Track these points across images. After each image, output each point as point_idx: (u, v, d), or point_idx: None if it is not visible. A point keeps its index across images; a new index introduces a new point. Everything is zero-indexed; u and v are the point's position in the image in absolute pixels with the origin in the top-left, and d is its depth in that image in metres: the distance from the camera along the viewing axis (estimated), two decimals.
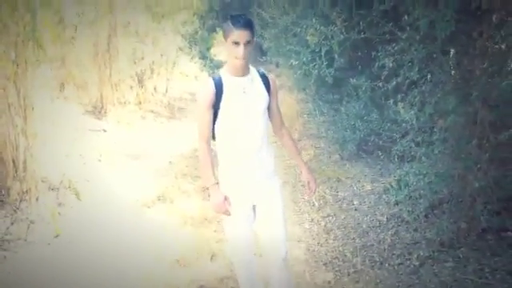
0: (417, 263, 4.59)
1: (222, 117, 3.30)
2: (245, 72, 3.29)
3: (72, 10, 8.66)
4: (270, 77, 3.45)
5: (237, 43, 3.11)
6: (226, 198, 3.30)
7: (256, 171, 3.36)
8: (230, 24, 3.11)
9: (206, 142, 3.34)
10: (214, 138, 3.44)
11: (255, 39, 3.25)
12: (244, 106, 3.27)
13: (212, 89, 3.25)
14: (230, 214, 3.31)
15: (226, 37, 3.16)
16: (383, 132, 6.89)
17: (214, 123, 3.37)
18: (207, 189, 3.39)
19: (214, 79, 3.28)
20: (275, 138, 3.76)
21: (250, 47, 3.16)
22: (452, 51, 4.98)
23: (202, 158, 3.33)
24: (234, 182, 3.37)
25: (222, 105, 3.26)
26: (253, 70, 3.37)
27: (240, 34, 3.09)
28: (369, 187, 6.49)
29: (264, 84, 3.37)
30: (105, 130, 8.82)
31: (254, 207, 3.45)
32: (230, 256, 3.93)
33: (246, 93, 3.28)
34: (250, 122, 3.30)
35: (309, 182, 3.59)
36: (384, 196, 6.03)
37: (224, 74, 3.31)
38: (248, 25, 3.11)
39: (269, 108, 3.44)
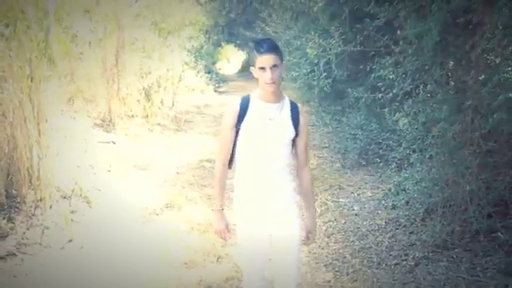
0: (412, 263, 4.83)
1: (242, 139, 3.19)
2: (276, 99, 3.16)
3: (83, 27, 8.96)
4: (303, 113, 3.27)
5: (263, 68, 3.03)
6: (226, 226, 3.30)
7: (271, 201, 3.19)
8: (254, 50, 3.06)
9: (223, 164, 3.29)
10: (229, 166, 3.35)
11: (284, 64, 3.17)
12: (266, 133, 3.13)
13: (236, 109, 3.17)
14: (226, 241, 3.39)
15: (253, 63, 3.09)
16: (383, 141, 7.16)
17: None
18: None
19: (241, 100, 3.20)
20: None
21: (279, 71, 3.06)
22: (445, 63, 5.24)
23: (216, 179, 3.31)
24: (248, 207, 3.23)
25: (242, 126, 3.16)
26: (286, 100, 3.23)
27: (265, 59, 3.01)
28: (369, 194, 6.74)
29: (293, 117, 3.20)
30: (114, 142, 9.10)
31: (269, 237, 3.23)
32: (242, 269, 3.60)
33: (272, 120, 3.14)
34: (270, 151, 3.15)
35: (309, 232, 3.36)
36: (383, 202, 6.28)
37: (253, 97, 3.20)
38: (272, 49, 3.03)
39: (295, 143, 3.26)
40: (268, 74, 3.01)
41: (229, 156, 3.29)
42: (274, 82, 3.04)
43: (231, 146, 3.25)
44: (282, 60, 3.09)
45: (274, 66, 3.02)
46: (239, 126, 3.17)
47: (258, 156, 3.16)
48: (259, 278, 3.31)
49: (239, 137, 3.20)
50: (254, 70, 3.10)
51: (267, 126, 3.13)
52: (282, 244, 3.20)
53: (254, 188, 3.21)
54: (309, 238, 3.36)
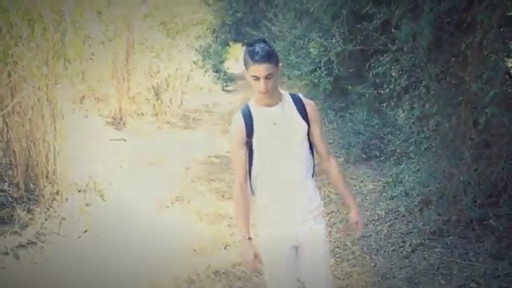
0: (409, 249, 5.09)
1: (257, 153, 2.96)
2: (274, 102, 2.92)
3: (95, 29, 9.24)
4: (308, 102, 3.02)
5: (256, 77, 2.78)
6: (255, 256, 2.88)
7: (297, 209, 2.96)
8: (248, 57, 2.78)
9: (241, 184, 2.97)
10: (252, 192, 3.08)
11: (280, 66, 2.89)
12: (277, 138, 2.91)
13: (241, 124, 2.93)
14: (258, 271, 3.16)
15: (246, 69, 2.83)
16: (384, 136, 7.43)
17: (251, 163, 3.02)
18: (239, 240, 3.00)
19: (243, 113, 2.95)
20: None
21: (274, 79, 2.80)
22: (440, 60, 5.49)
23: (236, 204, 2.96)
24: (272, 220, 2.98)
25: (254, 140, 2.93)
26: (286, 96, 2.99)
27: (259, 69, 2.75)
28: (370, 186, 7.02)
29: (299, 111, 2.96)
30: (125, 140, 9.43)
31: (295, 248, 3.01)
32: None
33: (278, 124, 2.91)
34: (287, 156, 2.93)
35: (357, 223, 3.11)
36: (384, 193, 6.56)
37: (252, 105, 2.97)
38: (267, 57, 2.75)
39: (310, 136, 3.01)
40: (262, 85, 2.78)
41: (245, 175, 3.01)
42: (267, 92, 2.82)
43: (246, 164, 3.00)
44: (277, 65, 2.84)
45: (269, 74, 2.77)
46: (251, 140, 2.94)
47: (276, 165, 2.94)
48: None
49: (254, 152, 2.98)
50: (247, 75, 2.85)
51: (275, 131, 2.91)
52: (310, 252, 3.00)
53: (276, 199, 2.96)
54: (358, 228, 3.12)
